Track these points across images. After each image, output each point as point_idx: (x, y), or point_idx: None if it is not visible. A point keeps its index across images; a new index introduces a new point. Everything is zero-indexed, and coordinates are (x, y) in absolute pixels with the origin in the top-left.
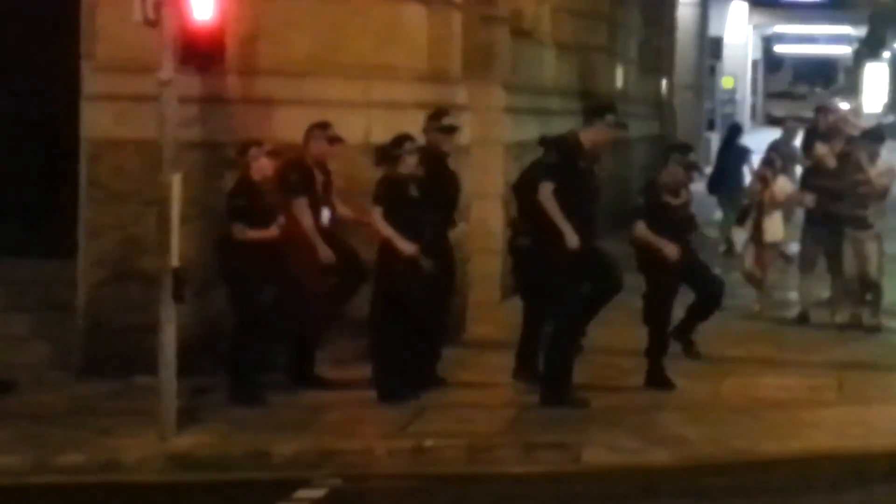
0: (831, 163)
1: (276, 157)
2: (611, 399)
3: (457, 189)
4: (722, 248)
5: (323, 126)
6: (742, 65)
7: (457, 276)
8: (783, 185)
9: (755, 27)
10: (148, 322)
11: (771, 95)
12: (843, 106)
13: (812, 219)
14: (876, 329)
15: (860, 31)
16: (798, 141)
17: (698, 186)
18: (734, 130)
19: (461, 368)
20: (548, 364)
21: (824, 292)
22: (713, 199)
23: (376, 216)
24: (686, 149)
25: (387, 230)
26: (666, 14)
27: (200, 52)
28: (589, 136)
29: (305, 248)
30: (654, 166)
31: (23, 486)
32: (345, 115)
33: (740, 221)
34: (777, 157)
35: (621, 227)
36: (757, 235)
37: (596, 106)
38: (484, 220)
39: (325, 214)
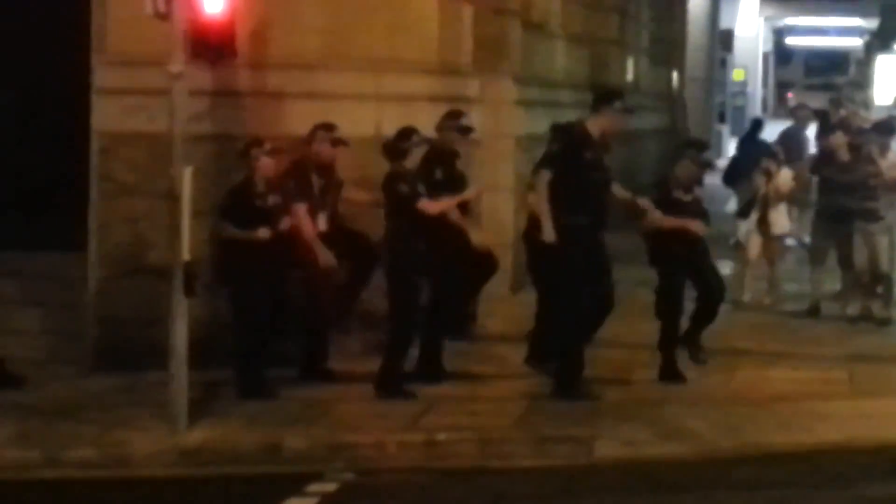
0: (844, 155)
1: (279, 155)
2: (623, 392)
3: (466, 187)
4: (733, 240)
5: (328, 127)
6: (753, 57)
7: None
8: (787, 178)
9: (766, 19)
10: (159, 316)
11: (809, 87)
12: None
13: (822, 211)
14: (887, 321)
15: (871, 24)
16: (810, 131)
17: (713, 179)
18: (756, 124)
19: (472, 362)
20: (559, 357)
21: (835, 285)
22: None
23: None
24: (702, 146)
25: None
26: (677, 6)
27: (211, 46)
28: (597, 124)
29: (306, 249)
30: (665, 159)
31: (34, 481)
32: (356, 109)
33: (743, 214)
34: (781, 149)
35: (633, 219)
36: (763, 228)
37: (603, 93)
38: (495, 212)
39: (321, 219)
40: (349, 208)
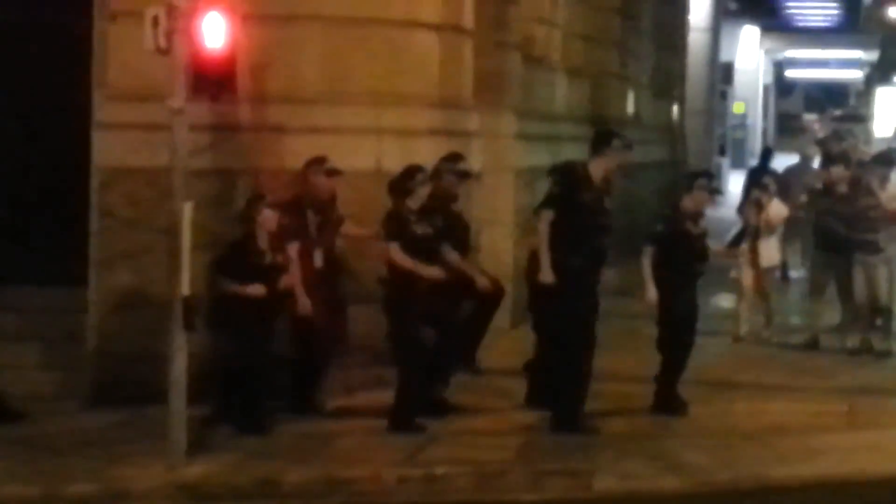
0: (843, 187)
1: (278, 208)
2: (621, 425)
3: (465, 229)
4: (733, 273)
5: (319, 161)
6: (753, 90)
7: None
8: (778, 209)
9: (766, 52)
10: (158, 350)
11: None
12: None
13: (821, 244)
14: (887, 354)
15: (871, 56)
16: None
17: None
18: (767, 153)
19: (472, 395)
20: (558, 391)
21: (834, 317)
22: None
23: (394, 252)
24: (710, 176)
25: (407, 262)
26: (677, 39)
27: (212, 81)
28: (600, 166)
29: (312, 283)
30: (666, 191)
31: None
32: (356, 143)
33: (734, 245)
34: (772, 181)
35: (633, 253)
36: (753, 259)
37: (602, 133)
38: (494, 246)
39: (317, 256)
40: (351, 244)
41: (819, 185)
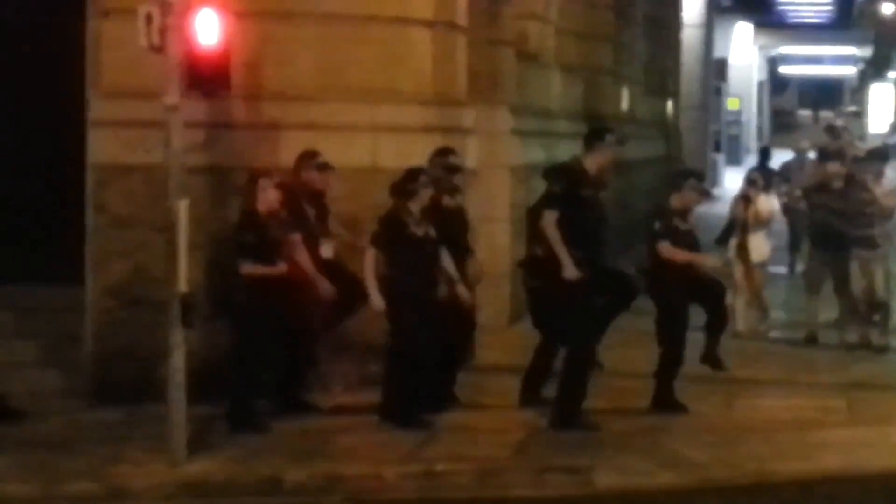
0: (839, 183)
1: (283, 189)
2: (621, 422)
3: (463, 224)
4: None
5: (311, 155)
6: (747, 86)
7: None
8: (766, 204)
9: (760, 48)
10: (157, 348)
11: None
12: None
13: (817, 239)
14: (884, 349)
15: (865, 52)
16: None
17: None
18: (764, 152)
19: (471, 392)
20: (561, 387)
21: (831, 313)
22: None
23: (367, 259)
24: (700, 176)
25: (369, 278)
26: (671, 36)
27: (206, 78)
28: (594, 161)
29: (304, 280)
30: (660, 188)
31: None
32: (351, 139)
33: (721, 241)
34: (759, 176)
35: (627, 249)
36: (743, 255)
37: (595, 129)
38: (491, 243)
39: (326, 247)
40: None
41: (814, 181)
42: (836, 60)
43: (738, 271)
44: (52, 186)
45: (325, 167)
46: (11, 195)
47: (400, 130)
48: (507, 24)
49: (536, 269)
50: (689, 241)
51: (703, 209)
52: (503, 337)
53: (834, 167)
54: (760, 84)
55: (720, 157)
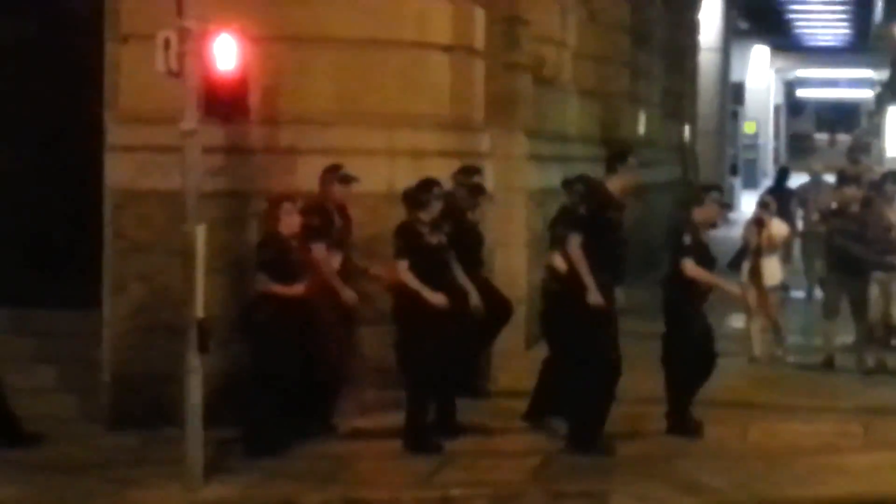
0: (855, 207)
1: (303, 209)
2: (636, 447)
3: (478, 242)
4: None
5: (335, 168)
6: (764, 109)
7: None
8: (779, 228)
9: (777, 72)
10: (174, 373)
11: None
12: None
13: (835, 263)
14: None
15: (882, 75)
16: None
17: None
18: (783, 173)
19: (487, 417)
20: (578, 411)
21: (848, 337)
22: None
23: (401, 270)
24: (720, 189)
25: (414, 283)
26: (688, 60)
27: (224, 103)
28: (617, 184)
29: (327, 293)
30: (679, 209)
31: None
32: (369, 164)
33: (734, 265)
34: (771, 200)
35: (646, 272)
36: (756, 279)
37: (616, 152)
38: (507, 266)
39: (336, 259)
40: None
41: (833, 205)
42: (852, 84)
43: (752, 295)
44: (69, 211)
45: (347, 179)
46: (30, 220)
47: (417, 155)
48: (525, 49)
49: (558, 275)
50: (710, 257)
51: (716, 233)
52: (519, 360)
53: (851, 191)
54: (777, 107)
55: (737, 181)
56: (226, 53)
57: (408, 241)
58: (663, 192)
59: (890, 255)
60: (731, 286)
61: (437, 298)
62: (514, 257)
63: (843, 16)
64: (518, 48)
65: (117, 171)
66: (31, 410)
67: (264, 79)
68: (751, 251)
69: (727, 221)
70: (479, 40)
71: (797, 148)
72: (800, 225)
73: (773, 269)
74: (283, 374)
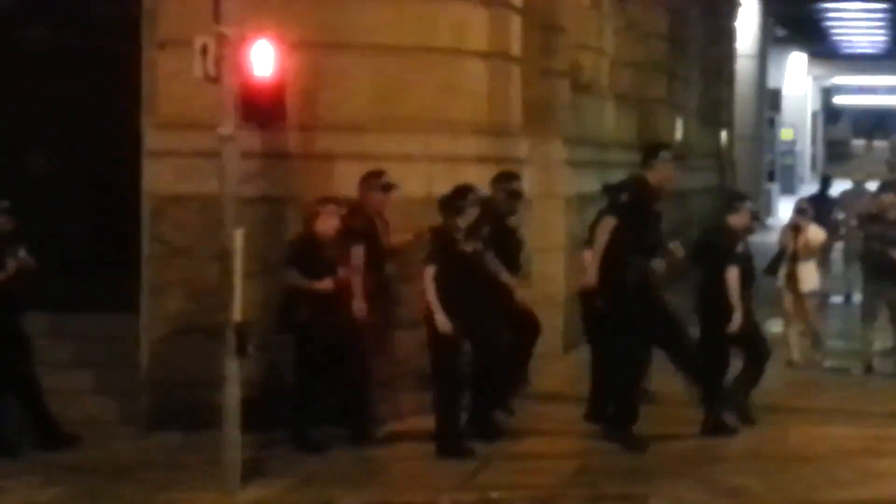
0: (893, 213)
1: (345, 212)
2: (673, 449)
3: (518, 246)
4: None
5: (377, 175)
6: (801, 116)
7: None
8: (816, 234)
9: (814, 78)
10: (211, 376)
11: None
12: None
13: (872, 269)
14: None
15: None
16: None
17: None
18: (826, 181)
19: (526, 420)
20: (613, 404)
21: (887, 342)
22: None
23: (427, 276)
24: (748, 198)
25: (430, 295)
26: (725, 66)
27: (261, 108)
28: (654, 178)
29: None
30: (715, 218)
31: None
32: (405, 170)
33: (770, 271)
34: (808, 206)
35: (680, 278)
36: (792, 286)
37: (649, 146)
38: (545, 272)
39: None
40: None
41: (873, 211)
42: (890, 90)
43: (789, 301)
44: (107, 216)
45: (389, 187)
46: (68, 225)
47: (454, 161)
48: (562, 55)
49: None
50: (750, 266)
51: (752, 238)
52: (557, 364)
53: (889, 197)
54: (814, 114)
55: (774, 187)
56: (263, 59)
57: (440, 246)
58: (701, 197)
59: None
60: (734, 321)
61: (440, 323)
62: (551, 263)
63: (881, 23)
64: (555, 54)
65: (155, 177)
66: (69, 413)
67: (301, 84)
68: (787, 257)
69: (760, 229)
70: (517, 47)
71: (834, 154)
72: (842, 230)
73: (809, 275)
74: (322, 377)
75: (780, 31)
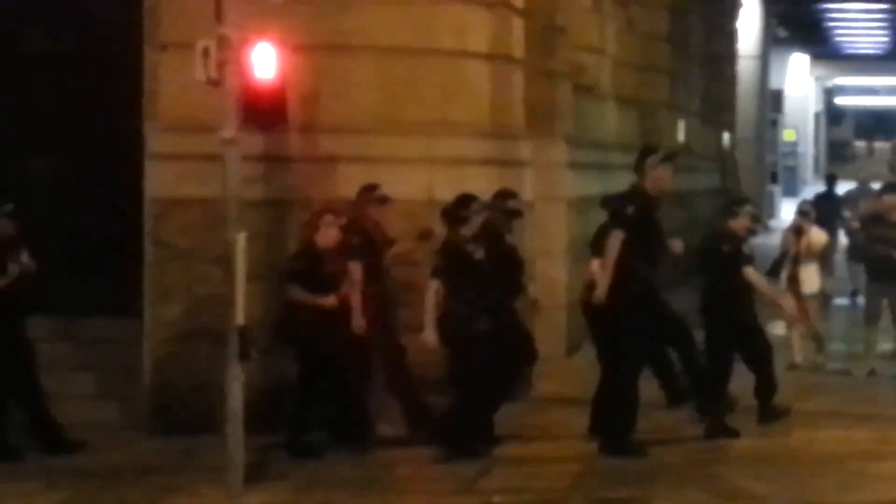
0: (895, 216)
1: (351, 222)
2: (676, 453)
3: (519, 264)
4: None
5: (371, 188)
6: (804, 117)
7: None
8: (818, 236)
9: (816, 79)
10: (214, 380)
11: None
12: None
13: (874, 271)
14: None
15: None
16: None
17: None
18: (831, 179)
19: (528, 423)
20: (610, 413)
21: (889, 344)
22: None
23: (430, 288)
24: (750, 202)
25: (428, 307)
26: (726, 67)
27: (263, 111)
28: (650, 183)
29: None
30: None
31: None
32: (408, 172)
33: (773, 273)
34: (811, 208)
35: (684, 280)
36: (794, 287)
37: (641, 151)
38: (547, 275)
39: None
40: (401, 275)
41: (875, 212)
42: (892, 91)
43: (790, 303)
44: (110, 219)
45: (384, 200)
46: (71, 228)
47: (457, 163)
48: (564, 57)
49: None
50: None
51: (755, 240)
52: (559, 368)
53: (891, 199)
54: (817, 115)
55: (777, 189)
56: (265, 62)
57: (451, 261)
58: (703, 199)
59: None
60: (785, 301)
61: (428, 337)
62: (553, 265)
63: (883, 24)
64: (557, 56)
65: (157, 180)
66: (73, 417)
67: (303, 87)
68: (789, 259)
69: (760, 232)
70: (519, 49)
71: (836, 155)
72: (853, 225)
73: (811, 277)
74: (323, 383)
75: (782, 32)
